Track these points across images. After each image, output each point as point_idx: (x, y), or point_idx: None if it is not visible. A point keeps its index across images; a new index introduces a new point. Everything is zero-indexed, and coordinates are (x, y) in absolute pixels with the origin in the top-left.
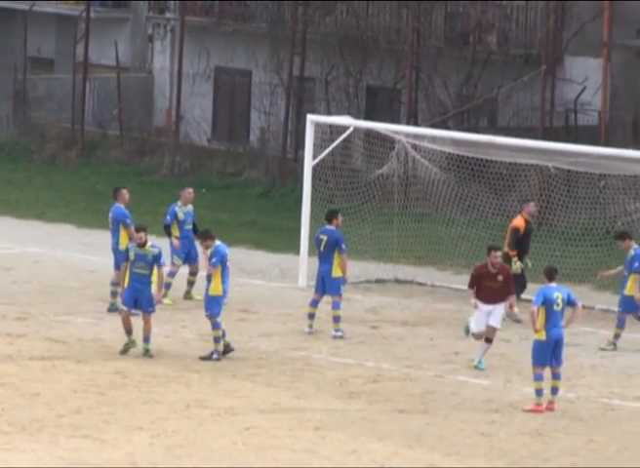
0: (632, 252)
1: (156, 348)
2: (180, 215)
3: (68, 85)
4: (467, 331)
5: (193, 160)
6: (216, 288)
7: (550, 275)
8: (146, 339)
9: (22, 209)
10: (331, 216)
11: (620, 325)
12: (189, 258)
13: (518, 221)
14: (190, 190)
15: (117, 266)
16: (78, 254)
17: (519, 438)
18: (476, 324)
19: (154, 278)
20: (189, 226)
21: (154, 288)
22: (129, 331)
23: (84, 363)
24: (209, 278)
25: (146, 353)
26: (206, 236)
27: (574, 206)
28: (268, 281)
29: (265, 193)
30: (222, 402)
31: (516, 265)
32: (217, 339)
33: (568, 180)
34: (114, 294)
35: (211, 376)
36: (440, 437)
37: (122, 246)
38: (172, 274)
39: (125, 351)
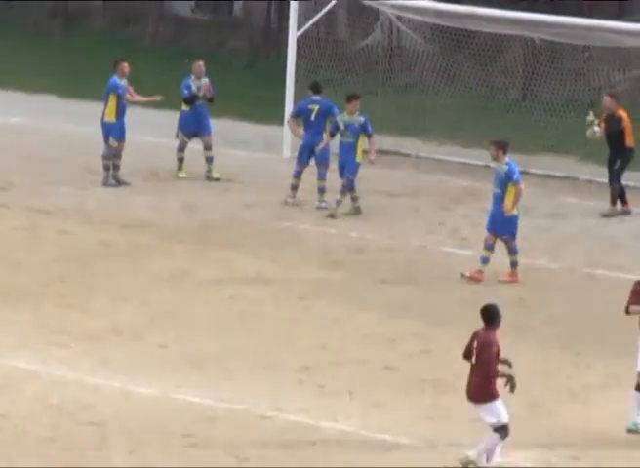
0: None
1: (140, 219)
2: (194, 89)
3: None
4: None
5: (176, 30)
6: None
7: (506, 149)
8: None
9: (3, 78)
10: (318, 87)
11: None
12: (200, 131)
13: None
14: (201, 63)
15: (106, 139)
16: (61, 124)
17: (503, 308)
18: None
19: None
20: (202, 101)
21: None
22: None
23: (67, 233)
24: None
25: None
26: None
27: (558, 77)
28: (252, 151)
29: (250, 64)
30: (206, 272)
31: None
32: None
33: (552, 51)
34: (107, 168)
35: (194, 247)
36: (424, 306)
37: (107, 117)
38: (181, 148)
39: None
